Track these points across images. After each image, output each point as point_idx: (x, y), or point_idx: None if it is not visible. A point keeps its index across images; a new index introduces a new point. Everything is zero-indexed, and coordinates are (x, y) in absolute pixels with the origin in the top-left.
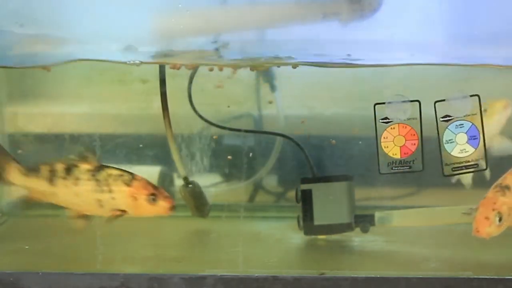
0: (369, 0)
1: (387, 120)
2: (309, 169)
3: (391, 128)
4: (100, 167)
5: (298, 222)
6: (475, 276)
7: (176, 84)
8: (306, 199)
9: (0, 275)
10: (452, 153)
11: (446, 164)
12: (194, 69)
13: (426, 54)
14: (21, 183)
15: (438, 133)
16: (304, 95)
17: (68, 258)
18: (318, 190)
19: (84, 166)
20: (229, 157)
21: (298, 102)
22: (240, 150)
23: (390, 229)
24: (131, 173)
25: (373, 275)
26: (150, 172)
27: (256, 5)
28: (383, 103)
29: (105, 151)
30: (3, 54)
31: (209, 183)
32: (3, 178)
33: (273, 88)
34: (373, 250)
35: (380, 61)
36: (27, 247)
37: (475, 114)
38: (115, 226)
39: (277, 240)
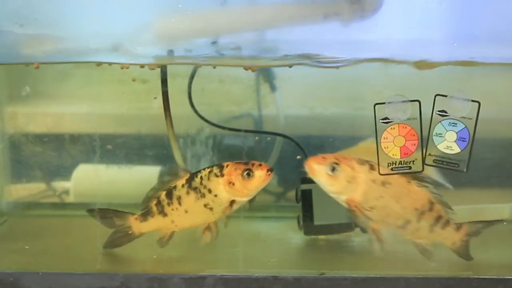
0: (369, 1)
1: (387, 120)
2: None
3: (391, 128)
4: (191, 176)
5: (298, 222)
6: (475, 276)
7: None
8: (306, 199)
9: (0, 275)
10: (438, 147)
11: (429, 155)
12: (194, 69)
13: (426, 53)
14: (146, 230)
15: (431, 124)
16: (304, 95)
17: (68, 258)
18: (318, 190)
19: (179, 183)
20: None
21: (298, 102)
22: (240, 150)
23: None
24: (218, 165)
25: (372, 275)
26: (150, 172)
27: (257, 6)
28: (383, 103)
29: (105, 151)
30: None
31: None
32: (132, 233)
33: (273, 88)
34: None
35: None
36: (27, 247)
37: (471, 118)
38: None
39: (277, 240)
